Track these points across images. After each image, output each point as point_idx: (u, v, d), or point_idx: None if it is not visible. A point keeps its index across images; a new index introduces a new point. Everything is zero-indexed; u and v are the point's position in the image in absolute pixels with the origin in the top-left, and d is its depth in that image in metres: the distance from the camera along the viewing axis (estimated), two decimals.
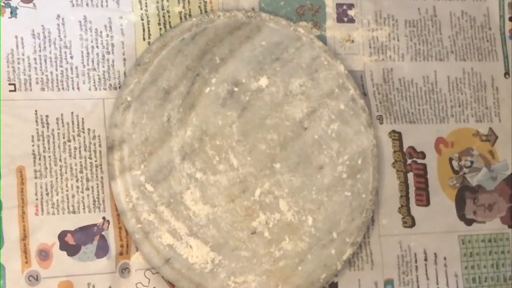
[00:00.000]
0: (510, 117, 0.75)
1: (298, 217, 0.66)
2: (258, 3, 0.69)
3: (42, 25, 0.63)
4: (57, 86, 0.63)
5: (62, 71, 0.63)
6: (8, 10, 0.62)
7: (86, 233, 0.62)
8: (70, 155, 0.63)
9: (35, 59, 0.63)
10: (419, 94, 0.73)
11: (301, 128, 0.67)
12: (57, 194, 0.62)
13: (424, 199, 0.71)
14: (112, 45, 0.65)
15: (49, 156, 0.62)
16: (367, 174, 0.68)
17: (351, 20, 0.71)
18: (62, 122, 0.63)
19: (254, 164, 0.66)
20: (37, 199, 0.61)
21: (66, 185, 0.62)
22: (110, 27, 0.65)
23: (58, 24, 0.64)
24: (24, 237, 0.61)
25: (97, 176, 0.63)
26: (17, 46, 0.62)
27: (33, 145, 0.62)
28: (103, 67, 0.64)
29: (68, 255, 0.62)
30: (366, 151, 0.68)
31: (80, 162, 0.63)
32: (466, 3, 0.75)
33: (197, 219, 0.64)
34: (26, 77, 0.62)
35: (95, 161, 0.63)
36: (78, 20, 0.64)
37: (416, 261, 0.70)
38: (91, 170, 0.63)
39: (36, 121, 0.62)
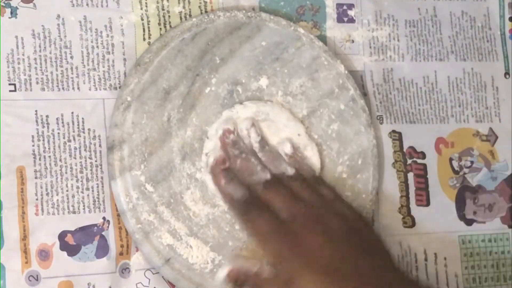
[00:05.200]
0: (510, 117, 0.75)
1: None
2: (258, 3, 0.69)
3: (42, 25, 0.63)
4: (57, 86, 0.63)
5: (62, 71, 0.63)
6: (8, 10, 0.62)
7: (86, 233, 0.62)
8: (70, 155, 0.63)
9: (35, 59, 0.63)
10: (419, 94, 0.73)
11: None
12: (57, 194, 0.62)
13: (424, 199, 0.71)
14: (112, 45, 0.65)
15: (49, 156, 0.62)
16: (367, 174, 0.68)
17: (351, 20, 0.71)
18: (62, 122, 0.63)
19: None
20: (37, 199, 0.61)
21: (66, 185, 0.62)
22: (110, 27, 0.65)
23: (58, 24, 0.64)
24: (24, 237, 0.61)
25: (97, 176, 0.63)
26: (17, 46, 0.62)
27: (33, 145, 0.62)
28: (103, 67, 0.64)
29: (68, 255, 0.61)
30: (366, 151, 0.68)
31: (80, 162, 0.63)
32: (466, 3, 0.75)
33: (197, 219, 0.64)
34: (26, 77, 0.62)
35: (95, 161, 0.63)
36: (78, 20, 0.64)
37: (416, 261, 0.70)
38: (91, 170, 0.63)
39: (36, 121, 0.62)
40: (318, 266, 0.57)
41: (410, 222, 0.70)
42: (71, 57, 0.64)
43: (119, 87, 0.64)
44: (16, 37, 0.62)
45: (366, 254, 0.59)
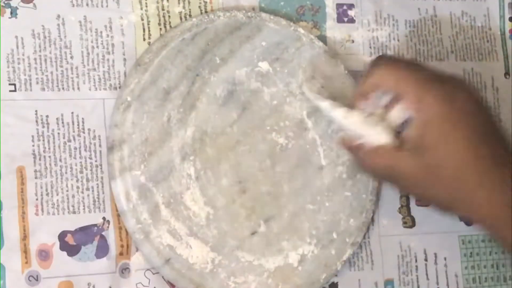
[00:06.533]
0: (510, 117, 0.75)
1: (298, 217, 0.66)
2: (258, 3, 0.69)
3: (42, 25, 0.63)
4: (57, 86, 0.63)
5: (62, 71, 0.63)
6: (8, 10, 0.62)
7: (86, 233, 0.62)
8: (70, 155, 0.63)
9: (35, 59, 0.63)
10: None
11: (301, 128, 0.67)
12: (57, 194, 0.62)
13: None
14: (112, 45, 0.65)
15: (49, 156, 0.62)
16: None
17: (351, 20, 0.71)
18: (62, 122, 0.63)
19: (254, 164, 0.66)
20: (37, 199, 0.61)
21: (66, 185, 0.62)
22: (110, 27, 0.65)
23: (58, 24, 0.64)
24: (24, 237, 0.61)
25: (97, 176, 0.63)
26: (17, 46, 0.62)
27: (33, 145, 0.62)
28: (103, 67, 0.64)
29: (68, 255, 0.61)
30: None
31: (80, 162, 0.63)
32: (466, 3, 0.75)
33: (197, 219, 0.64)
34: (26, 77, 0.62)
35: (95, 161, 0.63)
36: (78, 20, 0.64)
37: (416, 261, 0.70)
38: (91, 170, 0.63)
39: (36, 121, 0.62)
40: (466, 126, 0.57)
41: (410, 222, 0.70)
42: (71, 57, 0.64)
43: (119, 87, 0.64)
44: (16, 37, 0.62)
45: (497, 132, 0.59)
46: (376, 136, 0.60)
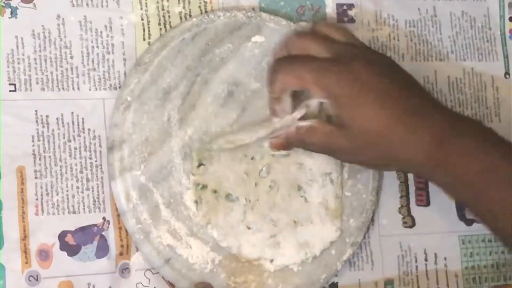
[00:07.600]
0: (510, 117, 0.75)
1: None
2: (258, 3, 0.69)
3: (42, 25, 0.63)
4: (57, 86, 0.63)
5: (62, 71, 0.63)
6: (8, 10, 0.63)
7: (86, 233, 0.62)
8: (70, 155, 0.63)
9: (35, 59, 0.63)
10: None
11: None
12: (57, 194, 0.62)
13: (424, 199, 0.71)
14: (112, 45, 0.65)
15: (49, 156, 0.62)
16: (367, 174, 0.68)
17: (351, 20, 0.71)
18: (62, 122, 0.63)
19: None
20: (37, 199, 0.61)
21: (66, 185, 0.62)
22: (110, 27, 0.65)
23: (58, 24, 0.64)
24: (24, 237, 0.61)
25: (97, 176, 0.63)
26: (17, 46, 0.62)
27: (33, 145, 0.62)
28: (103, 67, 0.64)
29: (68, 255, 0.62)
30: None
31: (80, 162, 0.63)
32: (466, 3, 0.75)
33: (197, 219, 0.64)
34: (26, 77, 0.62)
35: (95, 161, 0.63)
36: (78, 20, 0.64)
37: (416, 261, 0.70)
38: (91, 170, 0.63)
39: (36, 121, 0.62)
40: (370, 91, 0.59)
41: (410, 222, 0.70)
42: (71, 57, 0.64)
43: (119, 87, 0.64)
44: (16, 37, 0.62)
45: (406, 85, 0.62)
46: (296, 114, 0.62)
